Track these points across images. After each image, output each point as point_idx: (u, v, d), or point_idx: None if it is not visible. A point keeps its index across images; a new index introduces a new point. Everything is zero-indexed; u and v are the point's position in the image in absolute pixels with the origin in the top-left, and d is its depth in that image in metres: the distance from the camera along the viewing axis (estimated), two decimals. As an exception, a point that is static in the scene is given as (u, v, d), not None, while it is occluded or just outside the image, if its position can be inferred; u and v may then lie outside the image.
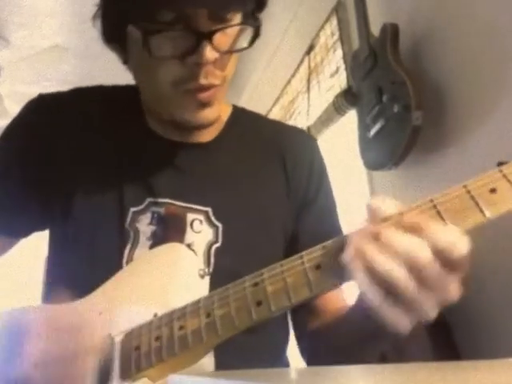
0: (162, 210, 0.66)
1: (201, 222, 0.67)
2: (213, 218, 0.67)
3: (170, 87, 0.62)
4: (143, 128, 0.72)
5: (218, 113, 0.67)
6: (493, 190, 0.40)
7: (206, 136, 0.74)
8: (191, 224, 0.67)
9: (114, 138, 0.71)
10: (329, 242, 0.44)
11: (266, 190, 0.73)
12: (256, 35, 0.62)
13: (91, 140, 0.70)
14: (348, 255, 0.42)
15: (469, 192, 0.40)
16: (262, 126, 0.81)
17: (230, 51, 0.63)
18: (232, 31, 0.61)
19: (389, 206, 0.44)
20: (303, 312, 0.72)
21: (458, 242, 0.40)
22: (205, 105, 0.64)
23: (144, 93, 0.72)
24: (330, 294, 0.72)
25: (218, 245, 0.66)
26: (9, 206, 0.70)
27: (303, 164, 0.76)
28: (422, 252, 0.39)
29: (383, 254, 0.40)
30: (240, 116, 0.79)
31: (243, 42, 0.63)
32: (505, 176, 0.40)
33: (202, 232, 0.66)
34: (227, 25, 0.60)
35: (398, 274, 0.40)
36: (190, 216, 0.67)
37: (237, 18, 0.61)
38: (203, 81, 0.61)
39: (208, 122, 0.66)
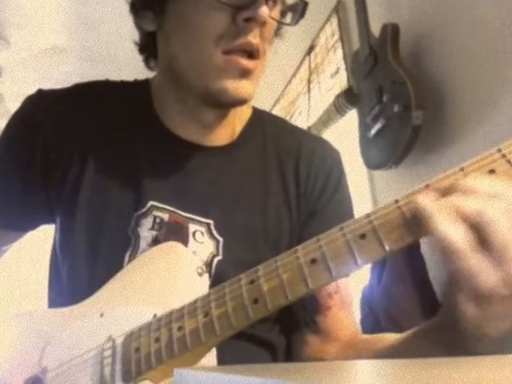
0: (165, 216, 0.64)
1: (202, 233, 0.65)
2: (214, 232, 0.65)
3: (213, 45, 0.58)
4: (152, 125, 0.69)
5: (253, 93, 0.62)
6: (491, 171, 0.38)
7: (224, 138, 0.70)
8: (193, 234, 0.65)
9: (117, 137, 0.68)
10: (323, 235, 0.43)
11: (275, 205, 0.69)
12: (302, 14, 0.62)
13: (93, 138, 0.67)
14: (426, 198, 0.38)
15: (466, 175, 0.39)
16: (281, 133, 0.76)
17: (277, 20, 0.63)
18: (278, 6, 0.62)
19: None
20: (306, 334, 0.68)
21: None
22: (247, 74, 0.59)
23: (175, 63, 0.64)
24: (337, 317, 0.67)
25: (219, 258, 0.64)
26: (12, 203, 0.69)
27: (318, 177, 0.72)
28: None
29: (472, 197, 0.36)
30: (260, 120, 0.75)
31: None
32: (504, 156, 0.37)
33: (204, 243, 0.64)
34: None
35: (492, 212, 0.35)
36: (192, 227, 0.65)
37: None
38: (252, 39, 0.58)
39: (244, 97, 0.61)
